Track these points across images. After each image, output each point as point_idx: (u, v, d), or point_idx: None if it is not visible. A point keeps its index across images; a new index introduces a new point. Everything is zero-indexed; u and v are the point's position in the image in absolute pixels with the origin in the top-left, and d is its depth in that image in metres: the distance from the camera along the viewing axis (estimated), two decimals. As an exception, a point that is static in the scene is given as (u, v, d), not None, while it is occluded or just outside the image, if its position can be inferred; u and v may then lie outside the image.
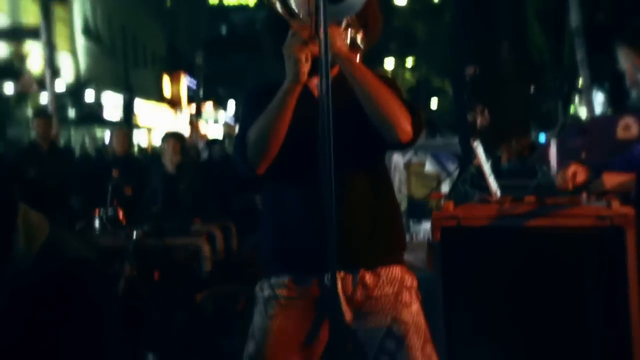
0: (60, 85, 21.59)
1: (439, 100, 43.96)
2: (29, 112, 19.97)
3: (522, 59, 6.09)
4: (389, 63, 38.51)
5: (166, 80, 34.56)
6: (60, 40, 21.86)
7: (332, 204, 2.33)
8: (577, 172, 3.20)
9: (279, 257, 2.71)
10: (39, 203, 6.03)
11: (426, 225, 6.74)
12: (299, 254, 2.65)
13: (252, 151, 2.59)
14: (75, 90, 23.26)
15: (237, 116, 40.32)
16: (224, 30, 47.92)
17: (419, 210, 6.77)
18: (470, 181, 3.76)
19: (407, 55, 34.46)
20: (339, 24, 2.50)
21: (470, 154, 5.97)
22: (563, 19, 19.95)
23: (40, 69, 19.81)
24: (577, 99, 26.41)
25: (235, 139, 2.71)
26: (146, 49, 32.80)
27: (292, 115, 2.56)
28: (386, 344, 2.63)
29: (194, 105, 33.86)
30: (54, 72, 19.68)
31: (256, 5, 43.61)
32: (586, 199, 3.31)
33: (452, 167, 6.86)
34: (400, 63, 36.65)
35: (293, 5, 2.45)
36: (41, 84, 19.90)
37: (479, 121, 5.80)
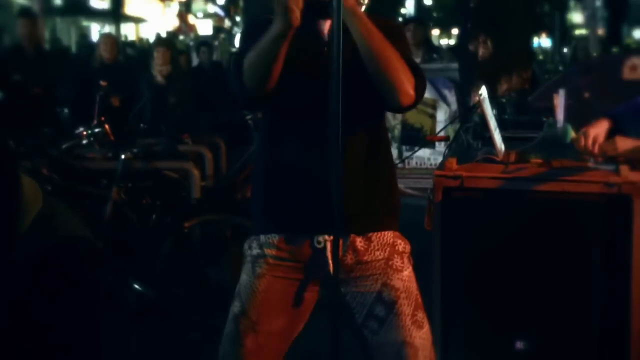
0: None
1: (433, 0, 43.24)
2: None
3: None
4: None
5: (155, -31, 33.65)
6: None
7: (339, 166, 2.25)
8: (598, 136, 3.07)
9: (270, 215, 2.62)
10: (24, 110, 5.85)
11: (419, 152, 6.66)
12: (291, 213, 2.57)
13: (247, 78, 2.45)
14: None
15: (226, 9, 39.55)
16: None
17: (412, 137, 6.66)
18: (473, 132, 3.63)
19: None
20: None
21: (469, 85, 5.83)
22: None
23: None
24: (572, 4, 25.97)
25: (232, 66, 2.59)
26: None
27: (297, 59, 2.43)
28: (375, 310, 2.57)
29: (183, -4, 33.08)
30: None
31: None
32: (594, 162, 3.19)
33: (449, 93, 6.71)
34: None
35: None
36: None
37: (480, 51, 5.63)
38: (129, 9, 25.85)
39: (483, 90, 3.27)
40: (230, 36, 36.32)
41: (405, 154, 6.59)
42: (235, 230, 5.08)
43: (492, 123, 3.38)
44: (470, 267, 3.15)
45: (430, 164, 6.62)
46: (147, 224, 5.15)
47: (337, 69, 2.23)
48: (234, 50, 19.15)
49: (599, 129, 3.14)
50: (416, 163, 6.68)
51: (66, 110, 7.34)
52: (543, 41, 32.42)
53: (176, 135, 6.62)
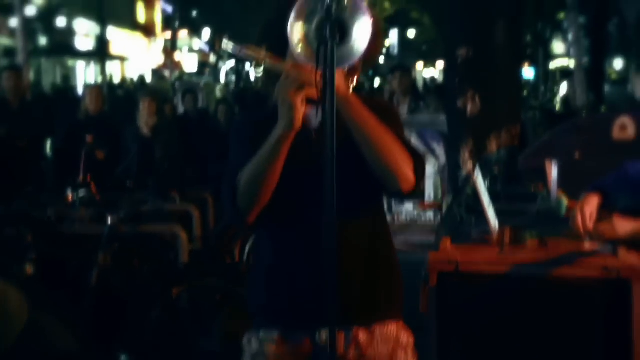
0: (31, 9, 20.95)
1: (416, 32, 43.51)
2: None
3: (516, 43, 5.85)
4: (367, -8, 37.83)
5: (140, 6, 33.72)
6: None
7: (334, 258, 2.15)
8: (592, 214, 3.02)
9: (269, 310, 2.54)
10: (9, 166, 5.78)
11: (409, 207, 6.60)
12: (290, 308, 2.49)
13: (242, 199, 2.39)
14: (46, 15, 22.60)
15: (211, 44, 39.55)
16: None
17: (402, 190, 6.62)
18: (466, 205, 3.58)
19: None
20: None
21: (458, 142, 5.79)
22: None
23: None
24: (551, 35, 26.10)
25: (224, 181, 2.48)
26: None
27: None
28: None
29: (168, 32, 33.12)
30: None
31: None
32: (591, 240, 3.14)
33: (438, 146, 6.67)
34: (378, -9, 36.00)
35: (292, 43, 2.18)
36: (10, 8, 19.27)
37: (469, 108, 5.60)
38: (114, 48, 25.88)
39: (477, 170, 3.23)
40: (216, 71, 36.41)
41: (395, 208, 6.53)
42: (225, 295, 5.00)
43: (486, 200, 3.33)
44: (467, 352, 3.08)
45: (421, 219, 6.58)
46: (133, 291, 5.05)
47: (332, 164, 2.14)
48: (219, 93, 19.11)
49: (592, 206, 3.08)
50: (405, 218, 6.61)
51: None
52: (526, 71, 32.51)
53: (163, 191, 6.56)
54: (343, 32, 2.10)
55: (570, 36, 23.11)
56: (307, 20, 2.13)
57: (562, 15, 23.91)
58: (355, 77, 2.47)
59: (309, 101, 2.26)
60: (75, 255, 5.10)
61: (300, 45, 2.15)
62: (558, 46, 33.85)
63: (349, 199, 2.32)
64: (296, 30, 2.14)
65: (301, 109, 2.25)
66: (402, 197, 2.53)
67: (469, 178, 3.61)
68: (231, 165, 2.47)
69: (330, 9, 2.05)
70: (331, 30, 2.05)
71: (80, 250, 5.12)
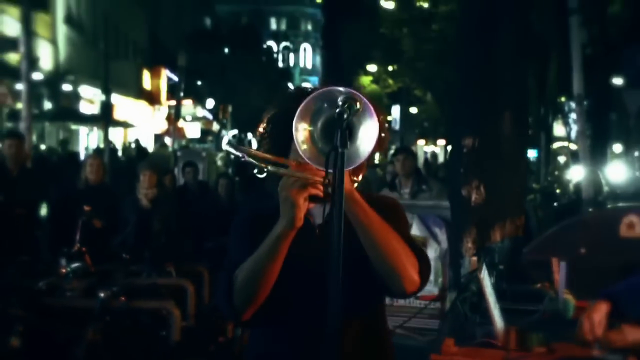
0: (38, 75, 21.11)
1: (419, 109, 43.90)
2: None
3: (522, 133, 5.80)
4: (372, 68, 38.33)
5: (146, 75, 34.06)
6: (41, 28, 21.38)
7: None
8: (601, 322, 2.90)
9: None
10: (4, 234, 5.68)
11: (409, 292, 6.49)
12: None
13: (238, 295, 2.31)
14: (53, 81, 22.74)
15: (214, 113, 39.84)
16: (208, 23, 47.54)
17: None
18: (470, 303, 3.46)
19: (391, 63, 34.22)
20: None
21: (461, 231, 5.69)
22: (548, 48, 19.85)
23: (18, 58, 19.34)
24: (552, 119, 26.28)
25: (221, 276, 2.40)
26: (128, 40, 32.26)
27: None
28: None
29: (173, 100, 33.38)
30: (32, 63, 19.11)
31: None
32: (600, 349, 3.01)
33: (440, 232, 6.58)
34: (383, 69, 36.45)
35: (297, 142, 2.12)
36: (16, 73, 19.40)
37: (473, 197, 5.51)
38: (118, 114, 25.98)
39: (484, 271, 3.13)
40: (218, 139, 36.55)
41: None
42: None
43: (492, 300, 3.23)
44: None
45: (419, 303, 6.47)
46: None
47: (337, 266, 2.04)
48: (220, 161, 19.10)
49: (600, 314, 2.97)
50: (405, 301, 6.49)
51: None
52: (528, 152, 32.38)
53: (159, 264, 6.44)
54: (350, 133, 2.06)
55: (571, 120, 23.21)
56: (312, 121, 2.10)
57: (562, 99, 24.11)
58: (361, 175, 2.42)
59: (313, 198, 2.20)
60: (64, 328, 4.97)
61: (305, 144, 2.10)
62: (558, 128, 34.04)
63: (350, 299, 2.23)
64: (301, 130, 2.10)
65: (303, 208, 2.19)
66: (405, 297, 2.45)
67: (474, 274, 3.50)
68: (229, 260, 2.41)
69: (342, 115, 2.00)
70: (342, 138, 2.00)
71: (69, 323, 4.99)
